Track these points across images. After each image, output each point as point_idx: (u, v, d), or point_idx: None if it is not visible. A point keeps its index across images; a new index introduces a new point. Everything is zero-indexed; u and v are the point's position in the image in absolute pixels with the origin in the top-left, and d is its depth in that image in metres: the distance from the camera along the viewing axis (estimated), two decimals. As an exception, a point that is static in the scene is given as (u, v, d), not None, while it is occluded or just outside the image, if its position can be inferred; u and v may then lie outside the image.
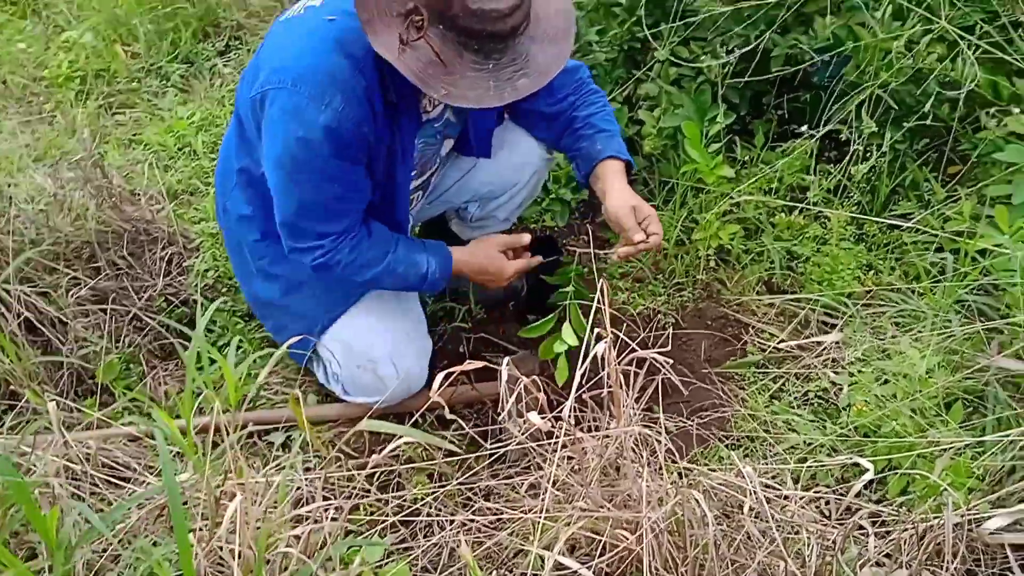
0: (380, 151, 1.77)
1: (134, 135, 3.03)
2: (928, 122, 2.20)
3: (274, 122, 1.69)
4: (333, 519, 1.43)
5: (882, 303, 2.23)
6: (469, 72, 1.53)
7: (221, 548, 1.25)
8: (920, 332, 2.02)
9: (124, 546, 1.48)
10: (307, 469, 1.80)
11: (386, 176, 1.84)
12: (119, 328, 2.15)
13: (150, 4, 3.45)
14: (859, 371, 2.02)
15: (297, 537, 1.27)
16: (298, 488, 1.52)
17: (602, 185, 1.95)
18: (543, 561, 1.29)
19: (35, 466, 1.57)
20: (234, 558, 1.22)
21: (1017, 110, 2.07)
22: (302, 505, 1.47)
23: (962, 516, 1.42)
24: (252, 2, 3.60)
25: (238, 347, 2.06)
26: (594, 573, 1.35)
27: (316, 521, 1.38)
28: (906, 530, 1.47)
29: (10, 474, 1.27)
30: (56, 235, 2.21)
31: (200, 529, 1.39)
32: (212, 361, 2.07)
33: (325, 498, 1.49)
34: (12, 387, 1.96)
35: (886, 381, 1.95)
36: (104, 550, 1.49)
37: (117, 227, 2.29)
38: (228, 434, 1.38)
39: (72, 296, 2.12)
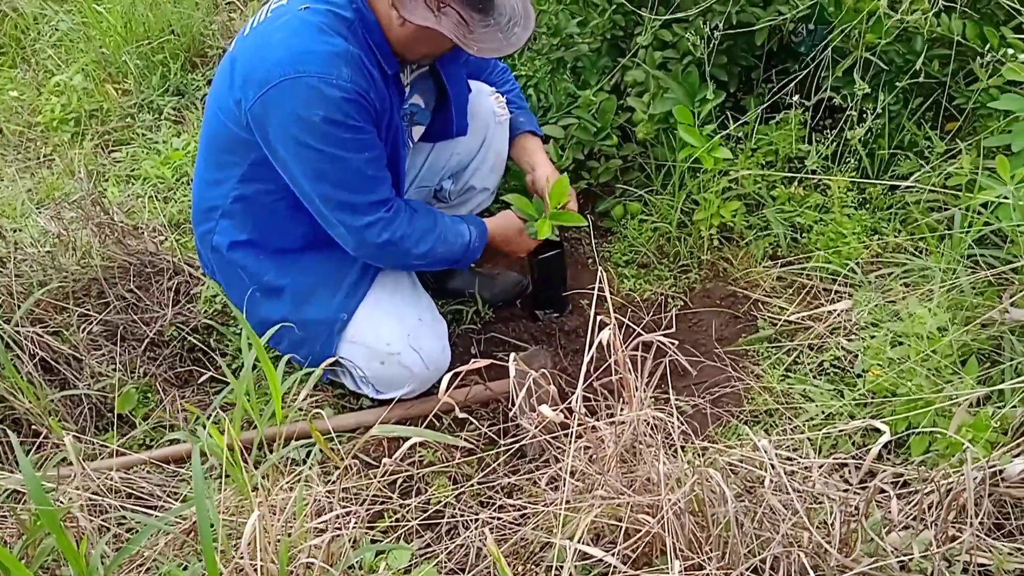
0: (383, 121, 1.83)
1: (132, 170, 3.06)
2: (921, 80, 2.19)
3: (290, 116, 1.71)
4: (357, 527, 1.43)
5: (890, 266, 2.21)
6: (480, 29, 1.72)
7: (243, 566, 1.26)
8: (929, 291, 2.00)
9: (153, 572, 1.50)
10: (331, 481, 1.81)
11: (392, 149, 1.90)
12: (133, 360, 2.17)
13: (136, 40, 3.48)
14: (871, 336, 2.01)
15: (319, 547, 1.28)
16: (316, 500, 1.52)
17: (528, 158, 2.26)
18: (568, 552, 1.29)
19: (61, 501, 1.59)
20: (256, 574, 1.23)
21: (1011, 52, 2.04)
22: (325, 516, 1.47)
23: (983, 469, 1.40)
24: (236, 28, 3.63)
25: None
26: (619, 559, 1.35)
27: (338, 530, 1.38)
28: (931, 491, 1.45)
29: (43, 502, 1.28)
30: (63, 275, 2.23)
31: (226, 551, 1.39)
32: (226, 384, 2.09)
33: (345, 508, 1.49)
34: (34, 427, 1.99)
35: (899, 343, 1.93)
36: (134, 579, 1.50)
37: (122, 261, 2.32)
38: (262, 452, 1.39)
39: (84, 332, 2.15)
